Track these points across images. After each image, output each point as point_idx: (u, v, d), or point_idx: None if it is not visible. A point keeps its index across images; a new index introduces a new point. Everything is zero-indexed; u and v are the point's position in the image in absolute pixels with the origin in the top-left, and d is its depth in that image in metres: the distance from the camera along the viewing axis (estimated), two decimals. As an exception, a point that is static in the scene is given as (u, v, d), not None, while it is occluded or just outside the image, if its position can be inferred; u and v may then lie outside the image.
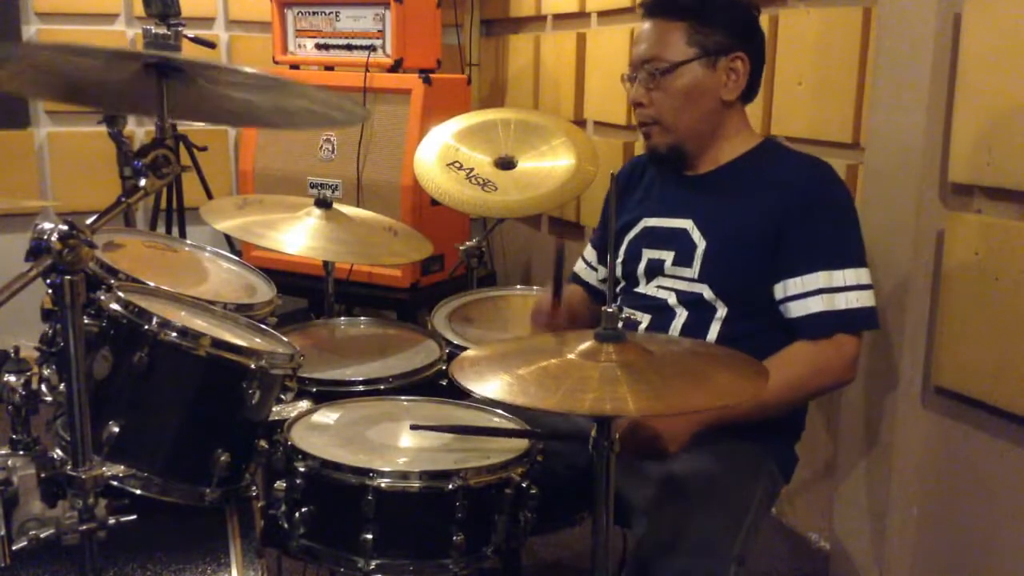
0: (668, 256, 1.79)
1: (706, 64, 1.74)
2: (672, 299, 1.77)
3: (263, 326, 1.77)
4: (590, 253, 2.08)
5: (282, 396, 1.62)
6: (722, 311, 1.73)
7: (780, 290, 1.70)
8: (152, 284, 1.70)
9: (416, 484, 1.44)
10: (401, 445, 1.59)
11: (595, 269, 2.06)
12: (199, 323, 1.61)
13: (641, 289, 1.84)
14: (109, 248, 1.88)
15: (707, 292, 1.74)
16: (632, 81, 1.80)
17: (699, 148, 1.81)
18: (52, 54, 1.39)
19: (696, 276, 1.75)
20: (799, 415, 1.84)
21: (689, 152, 1.81)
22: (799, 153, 1.86)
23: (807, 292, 1.67)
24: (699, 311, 1.74)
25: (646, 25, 1.78)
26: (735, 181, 1.78)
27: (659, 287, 1.80)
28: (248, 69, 1.35)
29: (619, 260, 1.86)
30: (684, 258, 1.77)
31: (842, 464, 2.34)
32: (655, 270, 1.81)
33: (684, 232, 1.78)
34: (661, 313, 1.78)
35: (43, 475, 1.34)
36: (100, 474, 1.29)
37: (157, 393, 1.48)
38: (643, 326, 1.80)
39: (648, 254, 1.83)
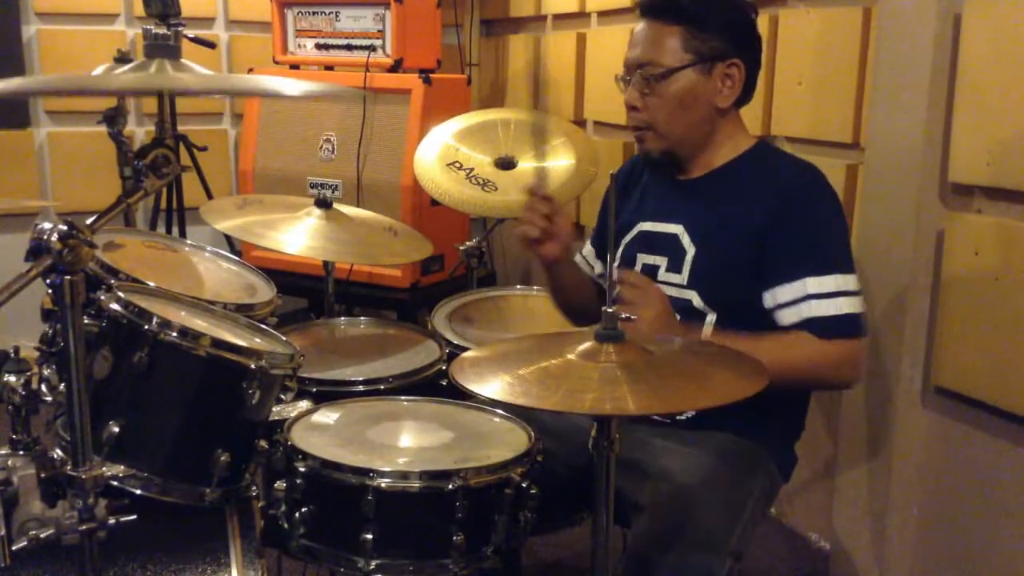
0: (662, 262, 1.78)
1: (701, 70, 1.72)
2: None
3: (263, 326, 1.77)
4: (588, 250, 2.08)
5: (282, 396, 1.62)
6: (711, 317, 1.72)
7: (770, 298, 1.68)
8: (152, 284, 1.70)
9: (416, 484, 1.44)
10: (401, 445, 1.59)
11: (592, 266, 2.06)
12: (199, 323, 1.61)
13: None
14: (109, 248, 1.88)
15: (696, 299, 1.73)
16: (626, 83, 1.79)
17: (692, 153, 1.80)
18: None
19: (685, 283, 1.74)
20: (799, 415, 1.83)
21: (682, 157, 1.80)
22: (791, 158, 1.84)
23: (796, 299, 1.64)
24: (690, 317, 1.73)
25: (641, 26, 1.77)
26: (725, 186, 1.77)
27: None
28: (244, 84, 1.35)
29: (615, 265, 1.86)
30: (675, 264, 1.76)
31: (842, 464, 2.34)
32: (649, 276, 1.80)
33: (675, 238, 1.78)
34: None
35: (43, 475, 1.34)
36: (100, 474, 1.29)
37: (157, 393, 1.48)
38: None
39: (642, 259, 1.82)
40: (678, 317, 1.69)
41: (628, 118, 1.82)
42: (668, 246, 1.78)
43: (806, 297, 1.64)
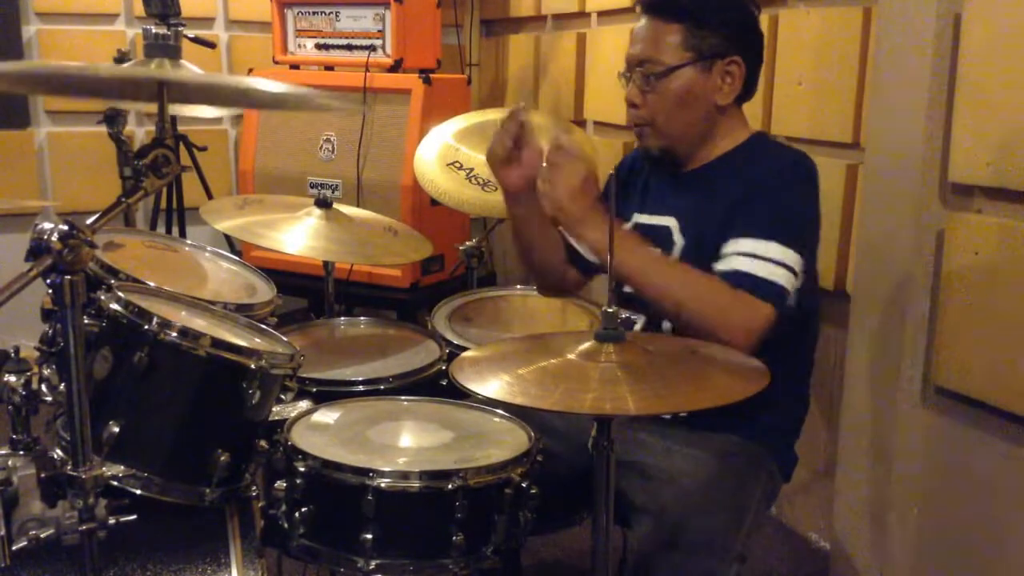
0: None
1: (701, 68, 1.71)
2: None
3: (263, 326, 1.77)
4: None
5: (282, 396, 1.62)
6: None
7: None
8: (152, 284, 1.70)
9: (416, 484, 1.44)
10: (401, 445, 1.59)
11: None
12: (199, 323, 1.61)
13: (629, 288, 1.83)
14: (109, 248, 1.88)
15: None
16: (627, 79, 1.79)
17: (691, 149, 1.79)
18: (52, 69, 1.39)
19: None
20: (799, 414, 1.84)
21: (681, 153, 1.80)
22: (783, 148, 1.82)
23: (732, 252, 1.62)
24: None
25: (642, 23, 1.76)
26: (716, 179, 1.76)
27: None
28: (248, 84, 1.36)
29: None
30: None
31: (842, 464, 2.34)
32: None
33: (667, 230, 1.78)
34: (651, 312, 1.78)
35: (43, 475, 1.34)
36: (100, 474, 1.29)
37: (157, 393, 1.48)
38: (638, 326, 1.80)
39: None
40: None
41: (628, 115, 1.82)
42: (660, 239, 1.78)
43: (738, 253, 1.62)
